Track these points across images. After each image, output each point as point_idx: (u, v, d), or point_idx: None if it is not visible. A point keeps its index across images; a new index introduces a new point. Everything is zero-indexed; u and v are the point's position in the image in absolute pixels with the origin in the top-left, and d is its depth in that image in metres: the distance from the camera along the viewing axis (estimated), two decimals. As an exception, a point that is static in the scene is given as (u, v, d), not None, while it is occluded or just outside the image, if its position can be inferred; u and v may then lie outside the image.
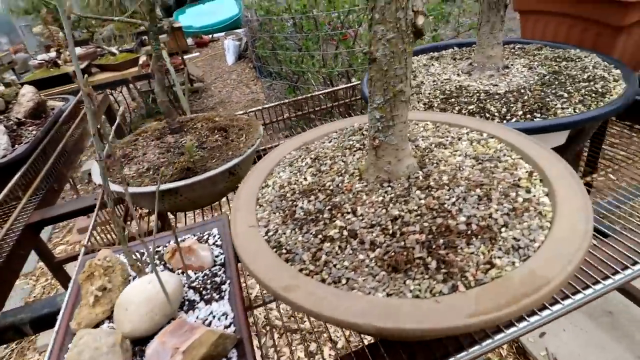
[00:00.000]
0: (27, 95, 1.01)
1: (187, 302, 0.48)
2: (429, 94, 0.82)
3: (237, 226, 0.48)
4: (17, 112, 1.00)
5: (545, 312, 0.49)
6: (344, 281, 0.39)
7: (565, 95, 0.72)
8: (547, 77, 0.80)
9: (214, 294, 0.49)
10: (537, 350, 1.24)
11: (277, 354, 1.34)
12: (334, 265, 0.41)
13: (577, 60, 0.86)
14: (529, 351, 1.25)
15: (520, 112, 0.70)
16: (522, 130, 0.61)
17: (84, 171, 2.75)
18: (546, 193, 0.47)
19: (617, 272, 0.53)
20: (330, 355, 1.41)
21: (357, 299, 0.37)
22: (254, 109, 1.10)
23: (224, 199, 0.83)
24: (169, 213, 0.95)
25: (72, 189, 2.10)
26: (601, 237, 0.60)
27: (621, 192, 0.71)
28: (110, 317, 0.47)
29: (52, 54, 2.15)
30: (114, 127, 0.58)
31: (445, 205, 0.45)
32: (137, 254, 0.55)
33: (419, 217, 0.44)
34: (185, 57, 3.85)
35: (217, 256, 0.55)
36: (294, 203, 0.50)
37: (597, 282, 0.52)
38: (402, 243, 0.41)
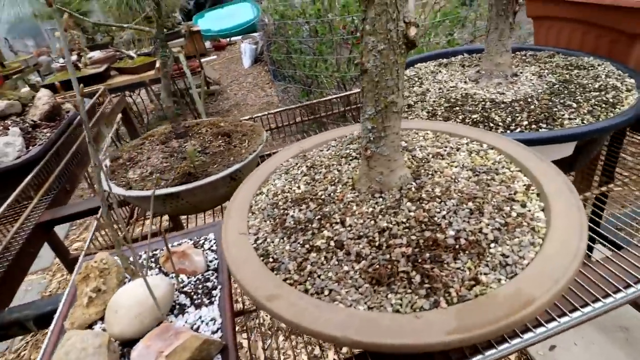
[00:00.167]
0: (43, 99, 1.05)
1: (177, 306, 0.49)
2: (434, 102, 0.81)
3: (228, 233, 0.49)
4: (33, 115, 1.04)
5: (552, 324, 0.47)
6: (326, 292, 0.39)
7: (574, 105, 0.70)
8: (557, 85, 0.78)
9: (205, 299, 0.50)
10: (547, 364, 1.20)
11: (282, 356, 1.34)
12: (319, 276, 0.41)
13: (590, 68, 0.83)
14: (538, 365, 1.21)
15: (526, 122, 0.68)
16: (526, 141, 0.59)
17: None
18: (542, 208, 0.45)
19: (629, 286, 0.51)
20: (334, 359, 1.40)
21: (338, 312, 0.37)
22: (260, 114, 1.11)
23: (227, 203, 0.84)
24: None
25: (90, 188, 2.16)
26: (615, 250, 0.58)
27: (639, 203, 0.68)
28: (103, 319, 0.48)
29: (74, 57, 2.22)
30: (110, 134, 0.60)
31: (435, 218, 0.44)
32: (138, 256, 0.56)
33: (406, 230, 0.43)
34: (202, 60, 3.92)
35: (210, 261, 0.56)
36: (286, 212, 0.50)
37: (607, 295, 0.50)
38: (388, 256, 0.41)
